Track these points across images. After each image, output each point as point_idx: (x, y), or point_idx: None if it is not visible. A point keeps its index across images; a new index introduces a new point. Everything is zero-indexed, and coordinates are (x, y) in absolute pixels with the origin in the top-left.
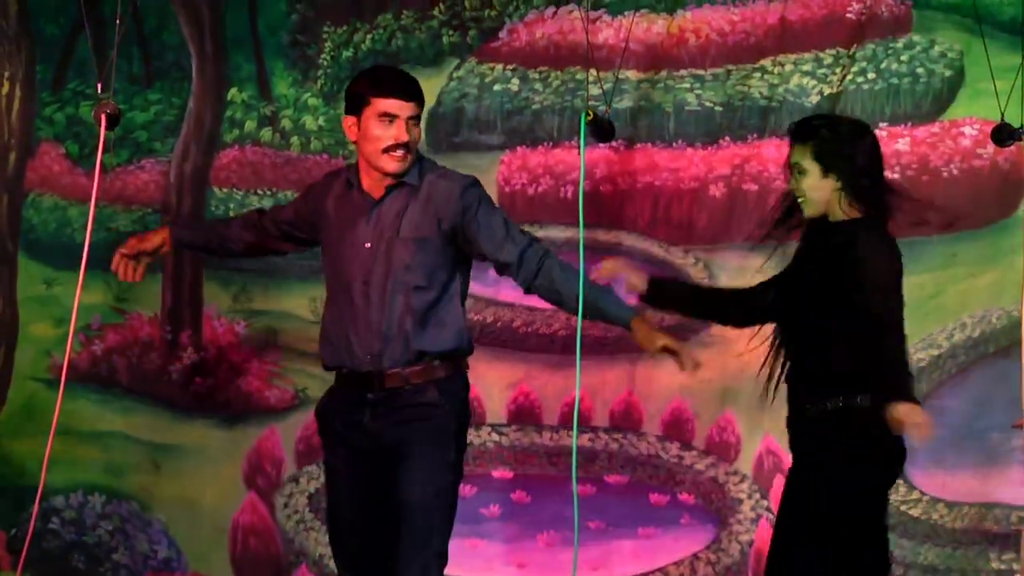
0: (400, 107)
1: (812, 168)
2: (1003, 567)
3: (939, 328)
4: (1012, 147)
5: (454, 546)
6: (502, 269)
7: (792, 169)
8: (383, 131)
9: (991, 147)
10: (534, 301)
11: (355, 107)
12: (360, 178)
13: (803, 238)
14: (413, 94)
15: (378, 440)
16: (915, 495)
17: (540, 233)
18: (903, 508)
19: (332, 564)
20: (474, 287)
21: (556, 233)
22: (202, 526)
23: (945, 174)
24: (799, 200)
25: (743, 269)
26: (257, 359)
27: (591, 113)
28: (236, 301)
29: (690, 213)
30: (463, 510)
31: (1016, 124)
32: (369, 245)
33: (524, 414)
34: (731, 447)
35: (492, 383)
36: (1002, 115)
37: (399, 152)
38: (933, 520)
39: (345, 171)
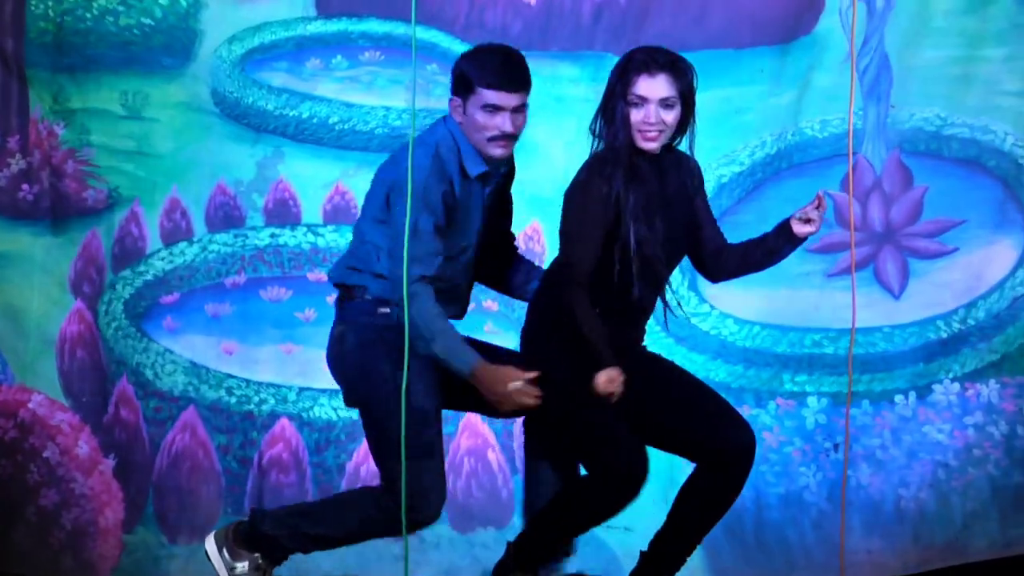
0: (507, 99)
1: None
2: (796, 389)
3: (742, 145)
4: None
5: (269, 352)
6: None
7: (663, 101)
8: (487, 120)
9: None
10: (351, 97)
11: (461, 89)
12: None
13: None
14: (520, 85)
15: None
16: (704, 308)
17: (357, 28)
18: (693, 321)
19: (148, 373)
20: (288, 80)
21: (375, 27)
22: (29, 338)
23: None
24: (658, 132)
25: (554, 78)
26: (72, 160)
27: None
28: (56, 102)
29: (504, 19)
30: (277, 315)
31: None
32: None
33: (340, 213)
34: (536, 256)
35: (308, 181)
36: None
37: (503, 140)
38: (723, 336)
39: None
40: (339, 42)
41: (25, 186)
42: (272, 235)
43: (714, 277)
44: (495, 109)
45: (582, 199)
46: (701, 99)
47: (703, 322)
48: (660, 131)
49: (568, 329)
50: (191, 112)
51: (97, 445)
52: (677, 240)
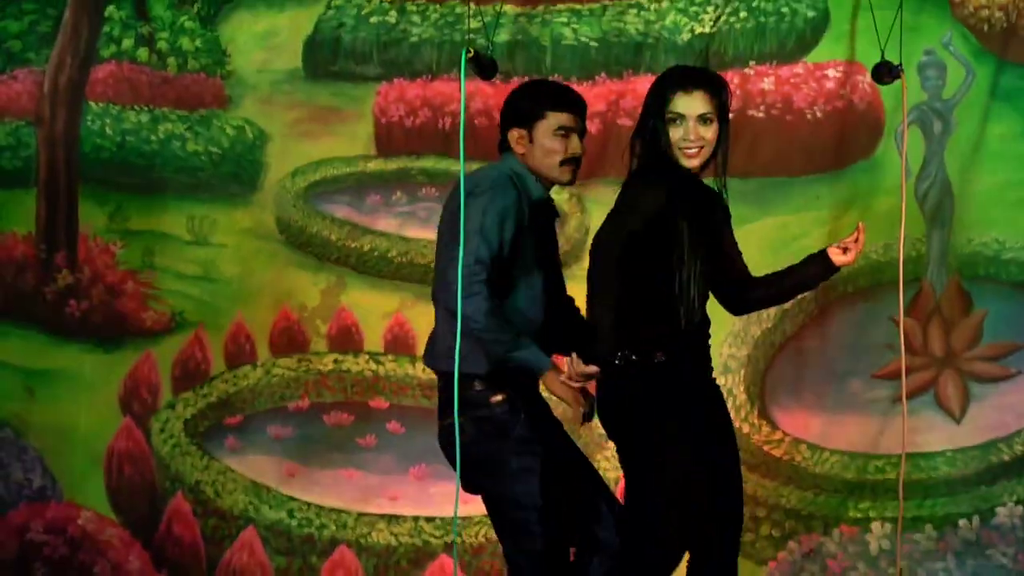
0: (575, 121)
1: (715, 118)
2: (859, 515)
3: None
4: (867, 88)
5: (328, 476)
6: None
7: (701, 117)
8: (559, 144)
9: (849, 87)
10: (409, 231)
11: (526, 119)
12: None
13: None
14: (583, 108)
15: None
16: (777, 435)
17: (417, 164)
18: (765, 448)
19: (208, 491)
20: (350, 214)
21: (431, 164)
22: (77, 454)
23: (809, 116)
24: (698, 149)
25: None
26: (133, 280)
27: (472, 50)
28: (112, 221)
29: None
30: (339, 439)
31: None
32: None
33: (399, 343)
34: None
35: (369, 311)
36: (882, 52)
37: (573, 164)
38: (795, 462)
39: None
40: (398, 179)
41: (72, 301)
42: (335, 360)
43: (738, 309)
44: (566, 131)
45: (635, 200)
46: (759, 226)
47: (776, 448)
48: (700, 147)
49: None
50: (257, 239)
51: (148, 561)
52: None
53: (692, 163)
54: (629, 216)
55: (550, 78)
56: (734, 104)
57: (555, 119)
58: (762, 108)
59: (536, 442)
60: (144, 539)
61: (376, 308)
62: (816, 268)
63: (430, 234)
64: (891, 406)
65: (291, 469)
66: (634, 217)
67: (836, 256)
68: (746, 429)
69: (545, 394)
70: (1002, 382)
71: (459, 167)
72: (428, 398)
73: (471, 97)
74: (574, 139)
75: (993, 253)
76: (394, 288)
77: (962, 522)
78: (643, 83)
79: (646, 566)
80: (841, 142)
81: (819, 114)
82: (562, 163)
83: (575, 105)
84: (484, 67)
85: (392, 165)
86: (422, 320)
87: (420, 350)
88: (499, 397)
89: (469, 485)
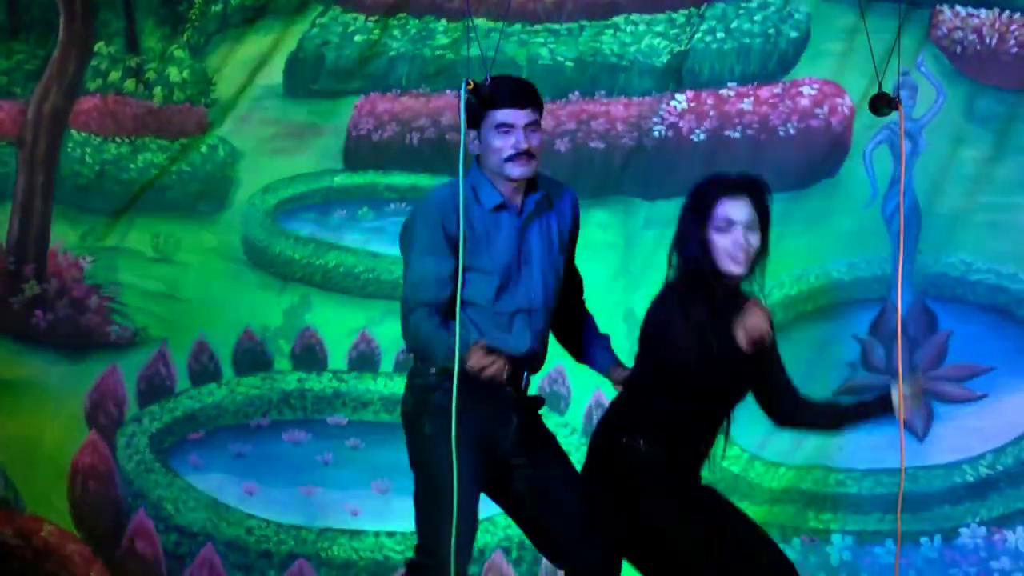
0: (517, 116)
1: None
2: (821, 526)
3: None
4: (846, 111)
5: (286, 495)
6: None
7: (747, 224)
8: (500, 141)
9: (827, 107)
10: (377, 246)
11: (474, 121)
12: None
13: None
14: (528, 101)
15: None
16: (735, 451)
17: (383, 181)
18: (723, 464)
19: (169, 507)
20: (316, 231)
21: (400, 180)
22: (41, 466)
23: (782, 133)
24: (745, 256)
25: (585, 222)
26: (97, 295)
27: (471, 83)
28: (84, 240)
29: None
30: (297, 457)
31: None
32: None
33: (364, 361)
34: (561, 399)
35: (334, 328)
36: (879, 84)
37: (521, 158)
38: (750, 478)
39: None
40: (365, 194)
41: (39, 312)
42: (299, 379)
43: (782, 421)
44: (507, 128)
45: (673, 327)
46: None
47: (733, 464)
48: (748, 254)
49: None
50: (221, 260)
51: None
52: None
53: (740, 270)
54: (679, 333)
55: None
56: (711, 124)
57: (494, 116)
58: (739, 128)
59: (457, 419)
60: (106, 555)
61: (341, 325)
62: (880, 411)
63: (398, 250)
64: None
65: (250, 487)
66: (685, 334)
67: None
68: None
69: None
70: (968, 404)
71: (426, 183)
72: (389, 413)
73: (441, 112)
74: (516, 134)
75: (960, 274)
76: (360, 305)
77: (924, 539)
78: (616, 106)
79: None
80: (811, 161)
81: (792, 131)
82: (507, 159)
83: (517, 99)
84: (483, 99)
85: (359, 179)
86: (389, 336)
87: (384, 367)
88: (435, 369)
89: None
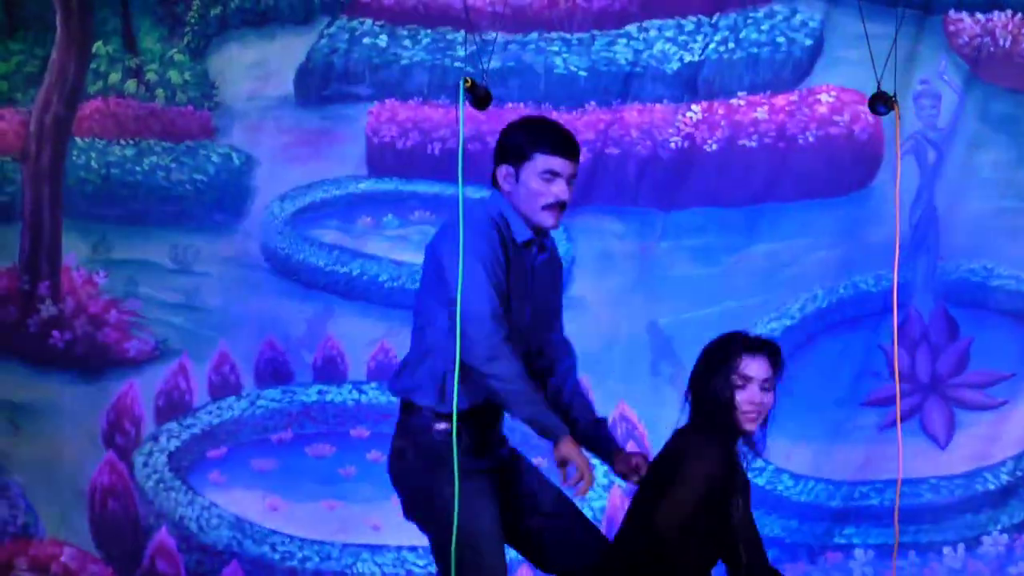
0: (564, 166)
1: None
2: (843, 541)
3: (792, 298)
4: (870, 119)
5: (309, 510)
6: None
7: (764, 383)
8: (543, 187)
9: (847, 115)
10: (401, 255)
11: (514, 158)
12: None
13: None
14: (577, 151)
15: None
16: (759, 463)
17: (409, 187)
18: (748, 476)
19: (192, 526)
20: (339, 237)
21: (424, 188)
22: (60, 489)
23: (801, 141)
24: (757, 414)
25: (601, 232)
26: (116, 309)
27: (469, 80)
28: (95, 251)
29: None
30: (320, 471)
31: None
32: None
33: (384, 371)
34: None
35: (356, 339)
36: (878, 83)
37: (557, 209)
38: (779, 491)
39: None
40: (390, 201)
41: (56, 333)
42: (320, 392)
43: None
44: (553, 175)
45: (695, 471)
46: (748, 254)
47: (758, 477)
48: (760, 412)
49: None
50: (241, 268)
51: None
52: None
53: (751, 427)
54: (692, 480)
55: (543, 107)
56: (723, 134)
57: (543, 162)
58: (754, 137)
59: (477, 476)
60: (127, 575)
61: (363, 335)
62: None
63: (422, 258)
64: (877, 433)
65: (274, 503)
66: (697, 485)
67: None
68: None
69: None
70: (989, 411)
71: (451, 191)
72: None
73: (459, 122)
74: (560, 183)
75: (980, 280)
76: (382, 314)
77: (946, 549)
78: (630, 112)
79: None
80: (835, 169)
81: (812, 139)
82: (544, 207)
83: (566, 149)
84: (479, 98)
85: (384, 186)
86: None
87: None
88: (443, 425)
89: (407, 512)
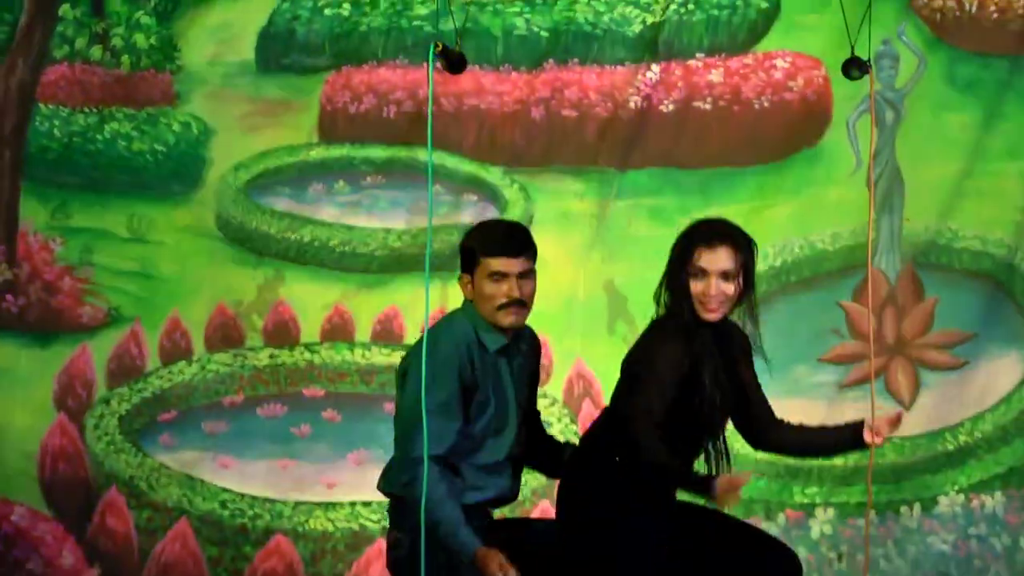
0: (509, 264)
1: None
2: (806, 500)
3: None
4: (822, 81)
5: (261, 468)
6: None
7: (723, 274)
8: (493, 289)
9: (801, 79)
10: (352, 220)
11: (467, 265)
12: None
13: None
14: (521, 249)
15: None
16: None
17: (361, 153)
18: None
19: (142, 484)
20: (291, 205)
21: (377, 152)
22: (10, 450)
23: (756, 106)
24: (718, 304)
25: (559, 192)
26: (70, 276)
27: (440, 44)
28: (53, 218)
29: (512, 136)
30: (273, 431)
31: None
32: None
33: (338, 332)
34: (544, 369)
35: (308, 303)
36: (852, 48)
37: (513, 308)
38: (735, 450)
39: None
40: (341, 167)
41: (10, 297)
42: (271, 355)
43: (758, 445)
44: (500, 276)
45: (657, 359)
46: (703, 216)
47: None
48: (720, 303)
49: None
50: (195, 236)
51: (81, 555)
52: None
53: (711, 317)
54: (663, 379)
55: (501, 68)
56: (679, 95)
57: (488, 265)
58: (709, 100)
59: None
60: (78, 533)
61: (316, 299)
62: (847, 438)
63: (374, 223)
64: (836, 391)
65: (225, 462)
66: (670, 380)
67: (868, 436)
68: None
69: None
70: (950, 372)
71: (403, 155)
72: (366, 383)
73: (419, 85)
74: (509, 282)
75: (946, 241)
76: (335, 278)
77: (903, 509)
78: (589, 75)
79: None
80: (788, 133)
81: (767, 104)
82: (499, 308)
83: (509, 249)
84: (453, 62)
85: (335, 153)
86: (364, 309)
87: (360, 337)
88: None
89: None
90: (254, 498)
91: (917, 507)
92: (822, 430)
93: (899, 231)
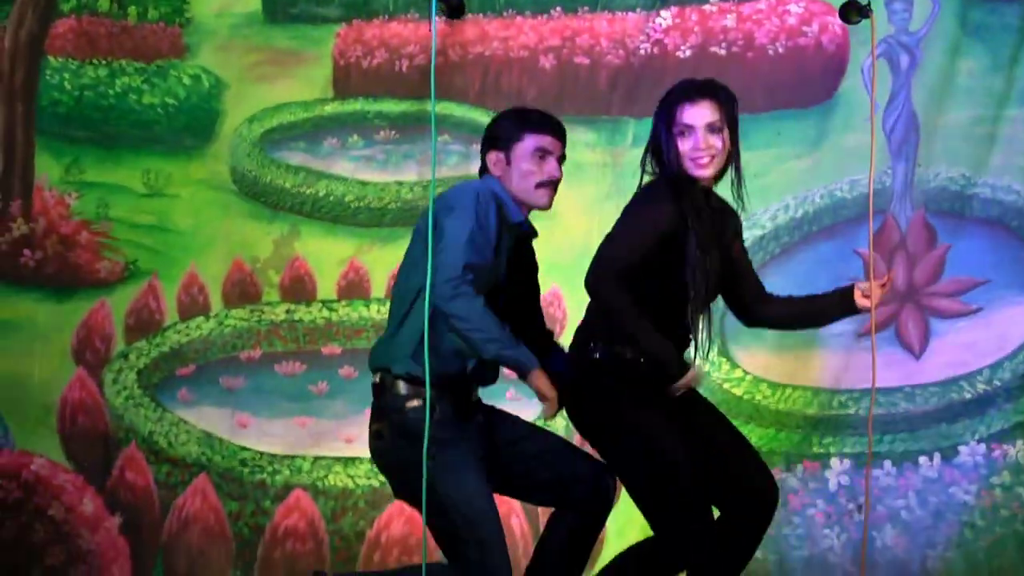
0: (553, 144)
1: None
2: (822, 451)
3: (762, 209)
4: (838, 30)
5: (279, 426)
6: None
7: (708, 126)
8: (535, 166)
9: (816, 25)
10: (366, 175)
11: (504, 142)
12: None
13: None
14: (563, 134)
15: None
16: (738, 373)
17: (374, 107)
18: (726, 387)
19: (161, 440)
20: (305, 159)
21: (390, 107)
22: (30, 403)
23: (771, 52)
24: (710, 159)
25: (571, 142)
26: (87, 231)
27: None
28: (68, 173)
29: (520, 84)
30: (291, 388)
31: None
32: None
33: (354, 289)
34: (557, 322)
35: (323, 258)
36: None
37: (551, 188)
38: (756, 400)
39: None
40: (355, 122)
41: (27, 251)
42: (288, 311)
43: (752, 321)
44: (544, 153)
45: (637, 213)
46: None
47: (736, 387)
48: (711, 156)
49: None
50: (211, 190)
51: (102, 504)
52: (719, 278)
53: (704, 172)
54: (639, 233)
55: (505, 14)
56: (694, 41)
57: (533, 141)
58: (723, 45)
59: (455, 444)
60: (97, 485)
61: (331, 254)
62: (837, 303)
63: (387, 177)
64: (855, 341)
65: (243, 420)
66: (645, 234)
67: (861, 300)
68: (704, 367)
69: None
70: (963, 319)
71: (415, 109)
72: None
73: (425, 36)
74: (551, 162)
75: (959, 188)
76: (350, 233)
77: (923, 459)
78: (599, 20)
79: (683, 539)
80: (804, 80)
81: (781, 50)
82: (538, 185)
83: (554, 128)
84: (453, 8)
85: (348, 107)
86: (379, 264)
87: (375, 293)
88: (415, 403)
89: (396, 491)
90: (273, 455)
91: (937, 457)
92: (812, 298)
93: (912, 178)
